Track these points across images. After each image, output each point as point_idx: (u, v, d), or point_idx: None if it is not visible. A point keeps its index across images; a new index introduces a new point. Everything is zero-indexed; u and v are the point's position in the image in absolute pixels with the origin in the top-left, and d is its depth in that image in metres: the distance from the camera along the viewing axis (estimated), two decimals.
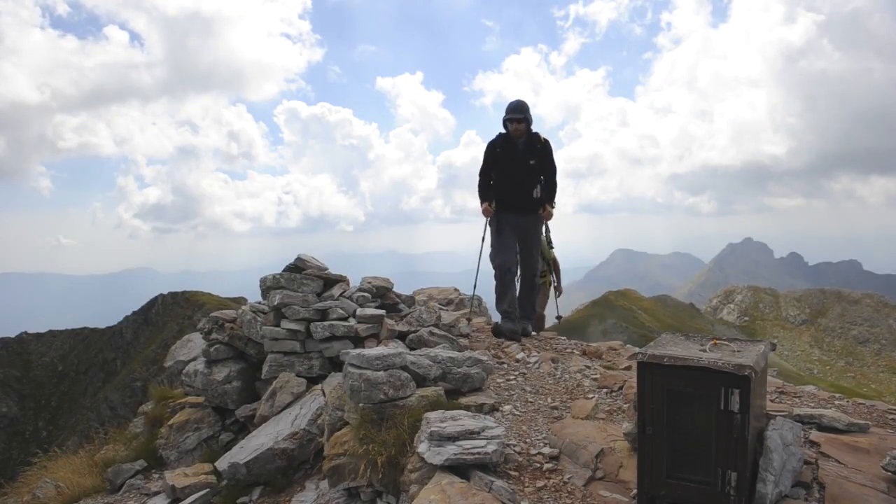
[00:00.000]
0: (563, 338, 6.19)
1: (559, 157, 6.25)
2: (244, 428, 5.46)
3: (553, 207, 6.02)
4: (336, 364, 5.26)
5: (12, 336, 42.73)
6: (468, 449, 3.11)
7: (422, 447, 3.22)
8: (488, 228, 6.16)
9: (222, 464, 4.65)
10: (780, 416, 3.22)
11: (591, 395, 4.16)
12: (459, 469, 3.10)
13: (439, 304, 6.80)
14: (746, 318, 45.20)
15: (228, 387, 5.49)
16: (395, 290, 6.04)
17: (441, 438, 3.20)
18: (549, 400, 4.15)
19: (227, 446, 5.30)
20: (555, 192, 5.97)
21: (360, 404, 3.72)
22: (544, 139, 5.88)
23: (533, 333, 6.12)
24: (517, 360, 5.03)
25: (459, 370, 4.19)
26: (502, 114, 5.92)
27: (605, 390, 4.24)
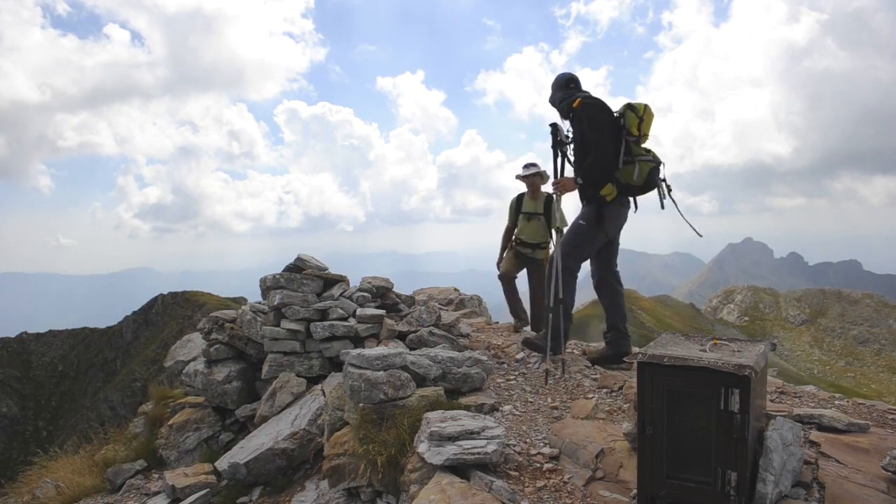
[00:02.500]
0: None
1: None
2: (244, 428, 5.46)
3: (579, 182, 4.76)
4: (336, 364, 5.27)
5: (12, 336, 42.75)
6: (468, 449, 3.11)
7: (422, 447, 3.22)
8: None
9: (222, 464, 4.65)
10: (780, 416, 3.22)
11: (591, 395, 4.16)
12: (459, 469, 3.10)
13: (439, 304, 6.80)
14: (746, 318, 45.22)
15: (228, 387, 5.49)
16: (395, 290, 6.04)
17: (441, 438, 3.20)
18: (549, 400, 4.15)
19: (227, 446, 5.30)
20: (592, 164, 4.65)
21: (360, 404, 3.72)
22: (577, 103, 4.72)
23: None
24: (517, 360, 5.04)
25: (459, 370, 4.19)
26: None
27: (605, 390, 4.24)
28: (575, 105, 4.73)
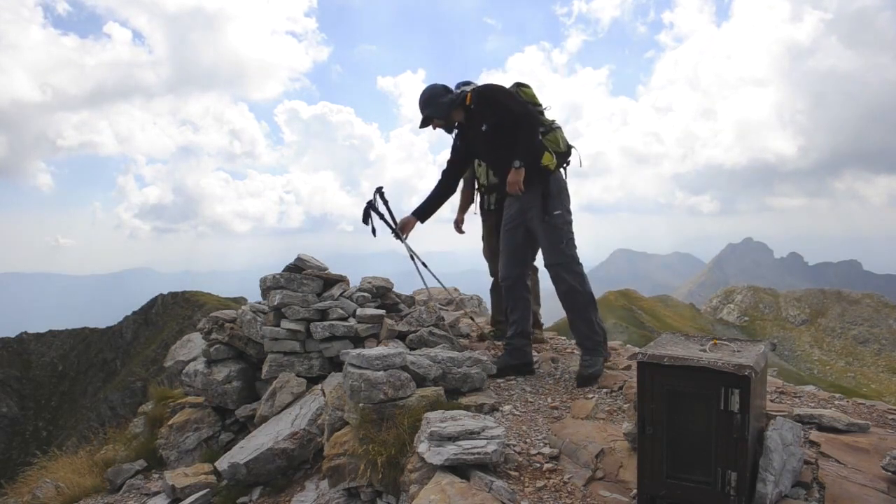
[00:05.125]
0: (563, 338, 6.19)
1: None
2: (244, 428, 5.46)
3: (520, 166, 4.14)
4: (336, 364, 5.27)
5: (12, 336, 42.78)
6: (468, 449, 3.11)
7: (422, 447, 3.22)
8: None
9: (222, 464, 4.65)
10: (780, 416, 3.22)
11: (591, 396, 4.16)
12: (459, 469, 3.10)
13: (439, 304, 6.80)
14: (746, 318, 45.28)
15: (228, 387, 5.49)
16: (395, 290, 6.04)
17: (441, 438, 3.20)
18: (549, 400, 4.15)
19: (227, 446, 5.30)
20: (528, 133, 4.20)
21: (360, 404, 3.72)
22: (472, 94, 4.38)
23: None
24: None
25: (459, 370, 4.19)
26: None
27: (605, 390, 4.24)
28: (468, 101, 4.40)
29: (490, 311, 6.12)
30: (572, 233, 4.41)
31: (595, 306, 4.47)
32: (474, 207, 5.71)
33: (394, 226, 4.85)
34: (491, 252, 5.55)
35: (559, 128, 4.51)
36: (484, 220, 5.62)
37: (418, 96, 4.57)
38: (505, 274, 4.65)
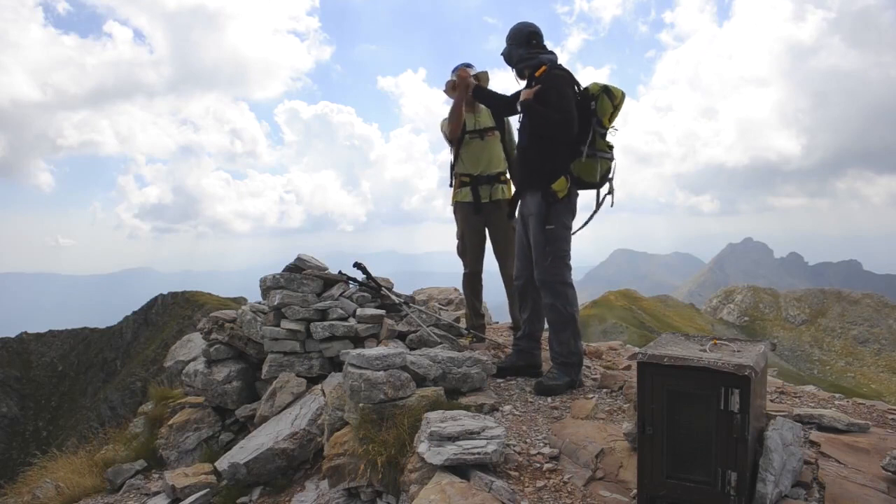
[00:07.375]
0: None
1: None
2: (244, 428, 5.46)
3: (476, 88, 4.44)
4: (336, 364, 5.27)
5: (12, 336, 42.79)
6: (468, 449, 3.11)
7: (422, 447, 3.22)
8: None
9: (222, 464, 4.65)
10: (780, 416, 3.22)
11: (591, 396, 4.16)
12: (459, 469, 3.10)
13: (439, 304, 6.79)
14: (746, 318, 45.29)
15: (228, 387, 5.49)
16: (395, 289, 6.03)
17: (441, 438, 3.20)
18: (549, 400, 4.15)
19: (227, 446, 5.30)
20: (550, 120, 4.00)
21: (360, 404, 3.72)
22: (542, 71, 4.15)
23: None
24: None
25: (459, 370, 4.19)
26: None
27: (605, 390, 4.24)
28: (538, 74, 4.14)
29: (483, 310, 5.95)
30: (563, 251, 4.19)
31: (575, 329, 4.26)
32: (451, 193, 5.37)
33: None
34: (464, 247, 5.42)
35: (609, 159, 4.20)
36: (469, 215, 5.25)
37: (515, 24, 4.41)
38: (516, 274, 4.55)
